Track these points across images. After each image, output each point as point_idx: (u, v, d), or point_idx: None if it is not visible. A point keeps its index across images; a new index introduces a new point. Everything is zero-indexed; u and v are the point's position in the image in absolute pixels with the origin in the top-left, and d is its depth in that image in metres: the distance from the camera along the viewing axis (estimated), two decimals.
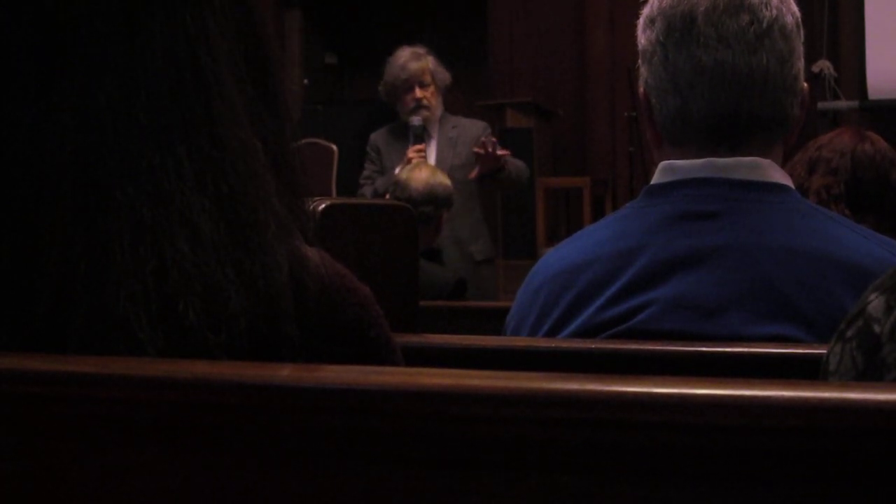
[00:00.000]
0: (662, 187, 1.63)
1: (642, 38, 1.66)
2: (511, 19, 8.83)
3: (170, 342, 0.89)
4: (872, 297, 0.97)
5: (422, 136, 5.12)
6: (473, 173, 5.02)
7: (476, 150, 4.95)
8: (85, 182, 0.90)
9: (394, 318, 1.06)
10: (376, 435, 0.76)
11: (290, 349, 0.92)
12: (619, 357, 1.49)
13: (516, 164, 5.15)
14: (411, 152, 5.00)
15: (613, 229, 1.65)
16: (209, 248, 0.91)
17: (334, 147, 6.89)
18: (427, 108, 5.17)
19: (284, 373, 0.80)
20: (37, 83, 0.92)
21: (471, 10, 9.32)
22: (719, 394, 0.70)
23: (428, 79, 5.20)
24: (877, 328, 0.95)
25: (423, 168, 4.47)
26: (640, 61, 1.68)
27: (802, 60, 1.65)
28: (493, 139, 5.02)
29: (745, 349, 1.45)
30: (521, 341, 1.66)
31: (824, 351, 1.03)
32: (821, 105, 7.61)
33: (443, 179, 4.35)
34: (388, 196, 4.45)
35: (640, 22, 1.67)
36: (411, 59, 5.21)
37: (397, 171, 4.85)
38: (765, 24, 1.60)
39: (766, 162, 1.61)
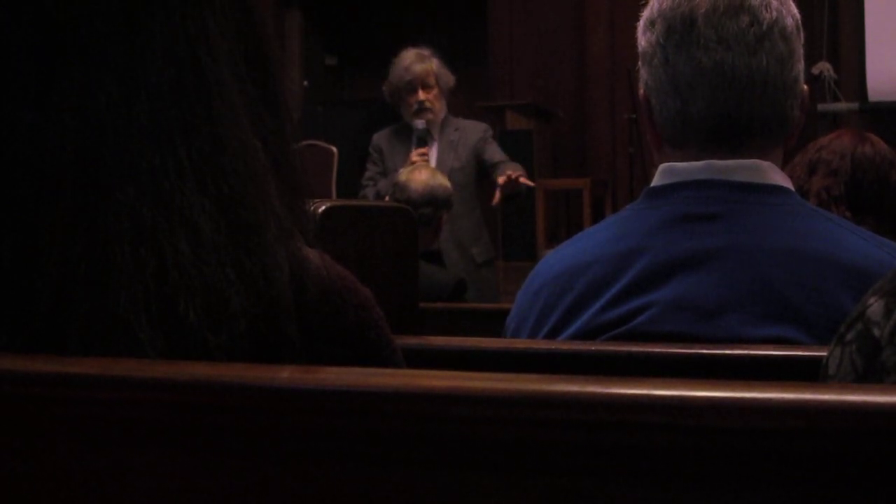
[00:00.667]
0: (662, 189, 1.63)
1: (642, 39, 1.67)
2: (511, 20, 8.83)
3: (170, 343, 0.89)
4: (872, 300, 0.97)
5: (425, 139, 5.12)
6: (495, 200, 5.03)
7: (500, 180, 4.94)
8: (85, 182, 0.90)
9: (394, 320, 1.06)
10: (377, 436, 0.76)
11: (290, 350, 0.93)
12: (618, 359, 1.49)
13: (526, 182, 5.14)
14: (415, 156, 5.00)
15: (613, 231, 1.65)
16: (209, 249, 0.91)
17: (334, 148, 6.90)
18: (430, 110, 5.17)
19: (285, 374, 0.80)
20: (37, 83, 0.92)
21: (471, 11, 9.32)
22: (719, 396, 0.70)
23: (432, 81, 5.20)
24: (876, 332, 0.95)
25: (422, 170, 4.47)
26: (640, 63, 1.68)
27: (802, 62, 1.65)
28: (521, 171, 5.01)
29: (745, 351, 1.45)
30: (521, 343, 1.66)
31: (824, 353, 1.03)
32: (821, 107, 7.61)
33: (442, 181, 4.36)
34: (387, 198, 4.46)
35: (641, 24, 1.67)
36: (416, 61, 5.20)
37: (398, 173, 4.85)
38: (765, 26, 1.60)
39: (766, 164, 1.61)
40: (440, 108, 5.22)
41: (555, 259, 1.70)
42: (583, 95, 8.61)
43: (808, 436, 0.68)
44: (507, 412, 0.73)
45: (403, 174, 4.44)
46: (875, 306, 0.96)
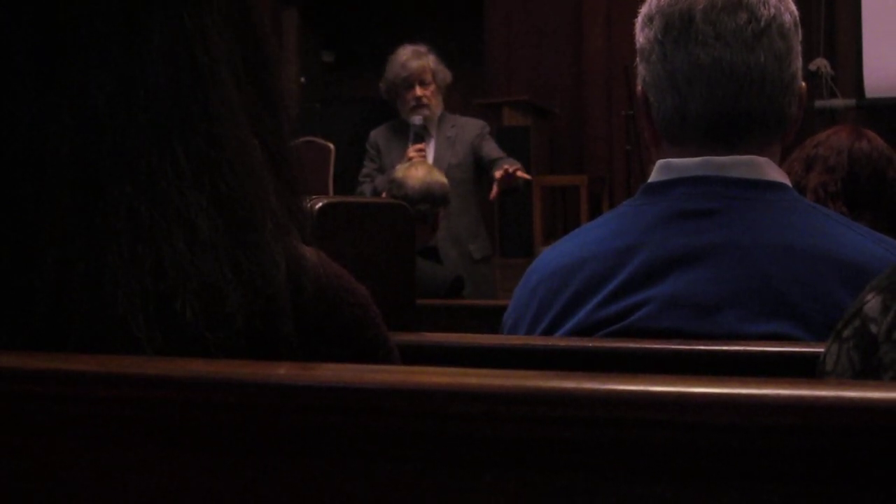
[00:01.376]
0: (660, 185, 1.63)
1: (640, 36, 1.67)
2: (508, 18, 8.83)
3: (167, 341, 0.89)
4: (869, 297, 0.97)
5: (422, 135, 5.12)
6: (493, 194, 5.02)
7: (497, 175, 4.94)
8: (83, 181, 0.90)
9: (391, 317, 1.06)
10: (373, 433, 0.76)
11: (287, 348, 0.92)
12: (616, 355, 1.49)
13: (524, 176, 5.14)
14: (412, 152, 5.00)
15: (610, 227, 1.65)
16: (207, 247, 0.91)
17: (331, 145, 6.89)
18: (427, 106, 5.17)
19: (281, 371, 0.80)
20: (35, 82, 0.92)
21: (468, 9, 9.32)
22: (716, 392, 0.70)
23: (428, 77, 5.20)
24: (874, 328, 0.95)
25: (419, 166, 4.47)
26: (638, 59, 1.68)
27: (800, 59, 1.65)
28: (518, 165, 5.01)
29: (742, 347, 1.45)
30: (518, 339, 1.66)
31: (821, 349, 1.03)
32: (818, 103, 7.61)
33: (439, 178, 4.36)
34: (384, 194, 4.46)
35: (639, 20, 1.67)
36: (412, 58, 5.20)
37: (395, 169, 4.85)
38: (763, 23, 1.60)
39: (763, 160, 1.61)
40: (437, 104, 5.22)
41: (552, 255, 1.70)
42: (580, 93, 8.60)
43: (805, 432, 0.68)
44: (504, 409, 0.73)
45: (400, 171, 4.45)
46: (872, 303, 0.96)
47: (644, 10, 1.67)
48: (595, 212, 7.48)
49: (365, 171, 5.27)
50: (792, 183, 1.69)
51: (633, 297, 1.55)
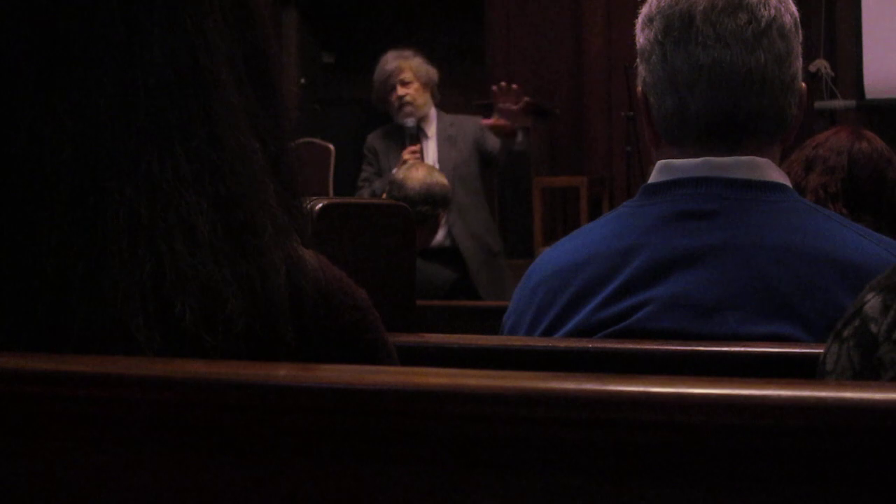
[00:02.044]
0: (660, 186, 1.63)
1: (641, 37, 1.66)
2: (508, 18, 8.82)
3: (167, 343, 0.88)
4: (869, 296, 0.97)
5: (416, 136, 5.12)
6: (490, 121, 5.02)
7: (493, 88, 4.94)
8: (83, 182, 0.90)
9: (391, 318, 1.06)
10: (373, 434, 0.76)
11: (286, 351, 0.92)
12: (616, 356, 1.49)
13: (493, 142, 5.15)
14: (406, 153, 5.00)
15: (611, 228, 1.65)
16: (206, 250, 0.91)
17: (331, 146, 6.89)
18: (411, 104, 5.16)
19: (282, 372, 0.80)
20: (36, 84, 0.92)
21: (467, 9, 9.31)
22: (716, 393, 0.70)
23: (409, 76, 5.19)
24: (874, 328, 0.95)
25: (419, 168, 4.47)
26: (638, 60, 1.68)
27: (800, 60, 1.65)
28: (515, 85, 5.01)
29: (742, 348, 1.45)
30: (518, 340, 1.66)
31: (821, 350, 1.03)
32: (818, 104, 7.61)
33: (440, 179, 4.36)
34: (384, 195, 4.46)
35: (639, 21, 1.67)
36: (390, 60, 5.22)
37: (394, 171, 4.85)
38: (763, 24, 1.60)
39: (763, 161, 1.61)
40: (424, 102, 5.21)
41: (552, 256, 1.70)
42: (580, 94, 8.60)
43: (805, 433, 0.68)
44: (504, 409, 0.73)
45: (401, 172, 4.45)
46: (872, 302, 0.96)
47: (644, 10, 1.67)
48: (595, 213, 7.47)
49: (363, 175, 5.28)
50: (792, 184, 1.69)
51: (633, 297, 1.55)
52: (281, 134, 1.02)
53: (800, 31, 1.65)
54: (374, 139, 5.31)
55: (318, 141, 6.87)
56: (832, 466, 0.68)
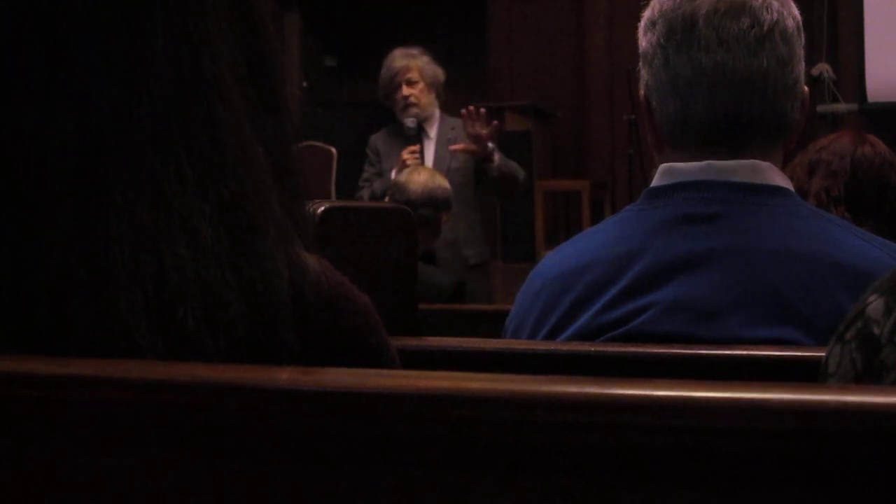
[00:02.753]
0: (662, 190, 1.63)
1: (643, 40, 1.67)
2: (510, 21, 8.83)
3: (169, 348, 0.88)
4: (872, 298, 0.97)
5: (416, 136, 5.12)
6: (459, 147, 5.00)
7: (462, 112, 4.93)
8: (85, 186, 0.90)
9: (393, 321, 1.06)
10: (375, 438, 0.76)
11: (288, 356, 0.92)
12: (618, 360, 1.49)
13: (507, 162, 5.11)
14: (405, 153, 5.00)
15: (613, 232, 1.65)
16: (209, 254, 0.91)
17: (333, 150, 6.89)
18: (416, 104, 5.16)
19: (284, 376, 0.80)
20: (38, 86, 0.92)
21: (470, 12, 9.32)
22: (718, 397, 0.70)
23: (415, 76, 5.19)
24: (876, 330, 0.95)
25: (421, 171, 4.47)
26: (640, 64, 1.68)
27: (803, 64, 1.65)
28: (483, 110, 5.00)
29: (745, 352, 1.45)
30: (521, 344, 1.66)
31: (823, 354, 1.03)
32: (820, 108, 7.61)
33: (441, 182, 4.36)
34: (387, 199, 4.46)
35: (642, 25, 1.68)
36: (398, 58, 5.21)
37: (393, 173, 4.85)
38: (765, 28, 1.60)
39: (765, 165, 1.61)
40: (428, 102, 5.21)
41: (554, 260, 1.70)
42: (582, 97, 8.60)
43: (807, 437, 0.68)
44: (506, 413, 0.73)
45: (403, 175, 4.45)
46: (875, 304, 0.96)
47: (647, 14, 1.67)
48: (597, 216, 7.47)
49: (365, 175, 5.27)
50: (794, 187, 1.69)
51: (635, 301, 1.55)
52: (284, 138, 1.02)
53: (802, 35, 1.65)
54: (376, 139, 5.31)
55: (320, 144, 6.87)
56: (834, 470, 0.68)
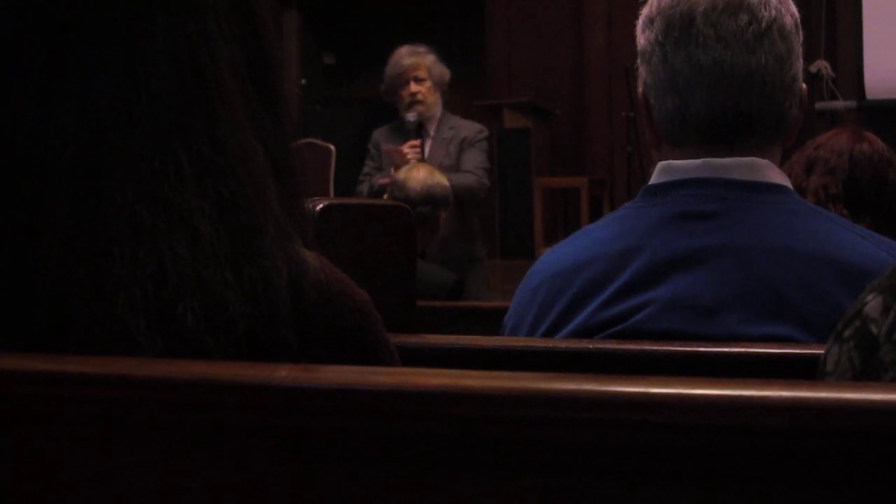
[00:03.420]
0: (660, 187, 1.63)
1: (641, 38, 1.67)
2: (509, 19, 8.83)
3: (168, 346, 0.88)
4: (870, 297, 0.97)
5: (417, 131, 5.13)
6: (389, 147, 5.04)
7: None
8: (85, 185, 0.90)
9: (391, 318, 1.06)
10: (374, 435, 0.76)
11: (287, 354, 0.92)
12: (616, 357, 1.49)
13: (459, 182, 5.07)
14: (406, 147, 5.01)
15: (611, 229, 1.65)
16: (208, 253, 0.91)
17: (332, 147, 6.90)
18: (422, 102, 5.17)
19: (282, 373, 0.80)
20: (37, 85, 0.92)
21: (469, 10, 9.32)
22: (717, 394, 0.70)
23: (423, 74, 5.20)
24: (874, 329, 0.95)
25: (420, 168, 4.47)
26: (638, 61, 1.68)
27: (801, 61, 1.65)
28: (401, 150, 5.03)
29: (743, 349, 1.45)
30: (519, 341, 1.66)
31: (821, 351, 1.03)
32: (818, 105, 7.62)
33: (440, 180, 4.36)
34: (385, 196, 4.46)
35: (640, 22, 1.68)
36: (407, 55, 5.22)
37: (393, 169, 4.86)
38: (763, 25, 1.60)
39: (764, 162, 1.61)
40: (433, 101, 5.22)
41: (553, 257, 1.70)
42: (581, 95, 8.61)
43: (805, 434, 0.69)
44: (505, 411, 0.73)
45: (402, 172, 4.45)
46: (873, 303, 0.96)
47: (645, 12, 1.67)
48: (596, 213, 7.48)
49: (365, 170, 5.28)
50: (792, 185, 1.69)
51: (634, 299, 1.55)
52: (283, 136, 1.02)
53: (800, 32, 1.65)
54: (378, 135, 5.32)
55: (318, 142, 6.87)
56: (832, 467, 0.69)
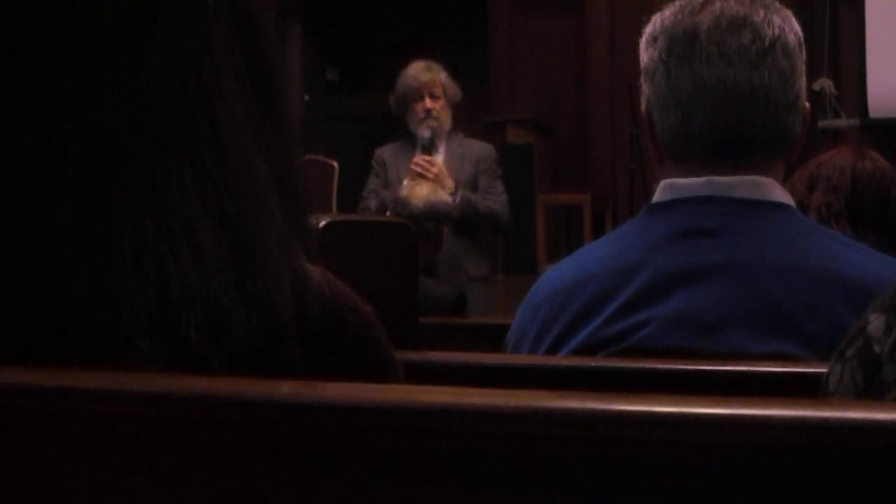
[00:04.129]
0: (663, 205, 1.63)
1: (645, 55, 1.67)
2: (512, 36, 8.84)
3: (171, 359, 0.88)
4: (873, 317, 0.97)
5: (430, 148, 5.13)
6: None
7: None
8: (88, 195, 0.90)
9: (394, 335, 1.06)
10: (377, 451, 0.76)
11: (291, 368, 0.92)
12: (619, 374, 1.49)
13: (486, 205, 5.11)
14: (418, 158, 5.01)
15: (614, 246, 1.65)
16: (211, 265, 0.91)
17: (335, 163, 6.89)
18: (436, 119, 5.18)
19: (285, 389, 0.80)
20: (39, 93, 0.92)
21: (472, 26, 9.34)
22: (719, 412, 0.70)
23: (439, 91, 5.21)
24: (877, 348, 0.95)
25: (423, 185, 4.48)
26: (642, 79, 1.68)
27: (804, 79, 1.65)
28: (427, 158, 5.05)
29: (745, 367, 1.45)
30: (522, 358, 1.66)
31: (824, 369, 1.03)
32: (821, 123, 7.61)
33: (443, 196, 4.37)
34: (388, 213, 4.46)
35: (643, 40, 1.68)
36: (424, 70, 5.23)
37: (405, 183, 4.86)
38: (767, 43, 1.60)
39: (766, 180, 1.61)
40: (446, 119, 5.23)
41: (556, 274, 1.70)
42: (584, 111, 8.61)
43: (808, 452, 0.68)
44: (507, 428, 0.73)
45: (405, 189, 4.45)
46: (876, 322, 0.96)
47: (648, 29, 1.67)
48: (598, 230, 7.48)
49: (370, 186, 5.28)
50: (795, 202, 1.69)
51: (635, 316, 1.55)
52: (286, 150, 1.02)
53: (803, 50, 1.66)
54: (382, 151, 5.32)
55: (321, 158, 6.87)
56: (835, 486, 0.68)
